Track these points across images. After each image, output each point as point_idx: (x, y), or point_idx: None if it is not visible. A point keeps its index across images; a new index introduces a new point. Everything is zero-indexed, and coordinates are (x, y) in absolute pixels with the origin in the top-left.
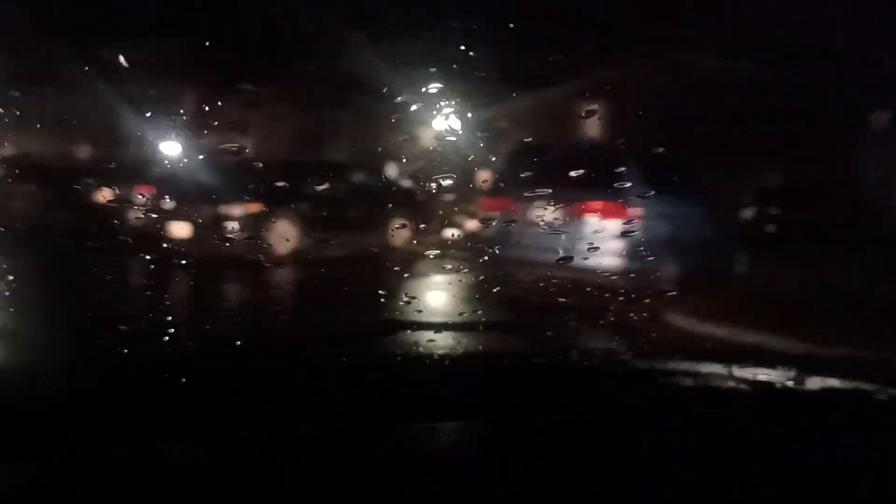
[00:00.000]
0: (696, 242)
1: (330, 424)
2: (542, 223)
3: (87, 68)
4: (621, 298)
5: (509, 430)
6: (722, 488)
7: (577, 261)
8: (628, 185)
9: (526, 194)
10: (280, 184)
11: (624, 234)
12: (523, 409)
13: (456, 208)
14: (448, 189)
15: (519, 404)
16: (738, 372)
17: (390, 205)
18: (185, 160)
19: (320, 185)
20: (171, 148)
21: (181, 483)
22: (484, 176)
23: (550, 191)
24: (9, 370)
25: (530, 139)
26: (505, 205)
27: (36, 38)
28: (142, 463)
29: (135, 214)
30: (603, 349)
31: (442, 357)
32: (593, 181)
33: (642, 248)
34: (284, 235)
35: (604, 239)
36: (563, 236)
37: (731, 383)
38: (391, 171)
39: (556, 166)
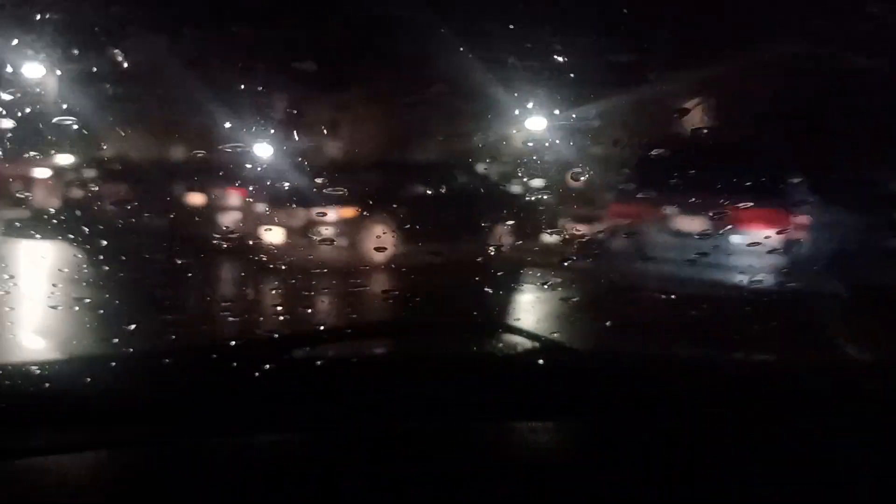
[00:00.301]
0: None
1: (332, 425)
2: (682, 232)
3: (180, 69)
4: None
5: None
6: (722, 489)
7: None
8: (788, 188)
9: (660, 199)
10: (375, 186)
11: (789, 247)
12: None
13: (574, 214)
14: (563, 192)
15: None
16: (738, 373)
17: (497, 209)
18: (278, 163)
19: (417, 187)
20: (263, 150)
21: (181, 483)
22: (602, 177)
23: (694, 197)
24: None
25: (656, 139)
26: (636, 211)
27: (130, 39)
28: (157, 462)
29: (227, 217)
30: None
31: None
32: (742, 185)
33: (814, 263)
34: (380, 240)
35: (762, 252)
36: (712, 247)
37: (731, 384)
38: (494, 173)
39: (697, 169)
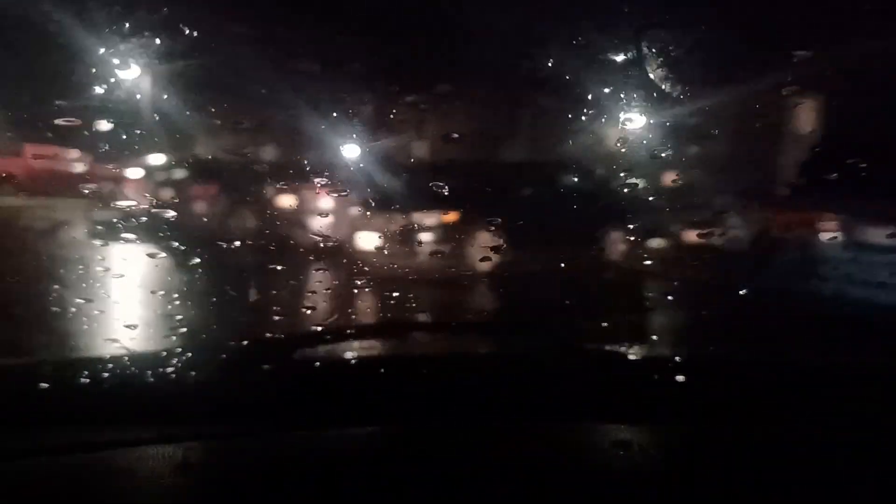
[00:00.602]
0: None
1: (333, 426)
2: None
3: (271, 69)
4: None
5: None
6: (722, 490)
7: None
8: None
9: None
10: (476, 189)
11: None
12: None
13: (692, 219)
14: (678, 194)
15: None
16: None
17: (610, 214)
18: (371, 164)
19: (520, 190)
20: (355, 151)
21: (181, 483)
22: (724, 179)
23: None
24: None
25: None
26: (808, 219)
27: (223, 40)
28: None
29: (320, 221)
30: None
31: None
32: None
33: None
34: (484, 248)
35: None
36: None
37: (731, 385)
38: (601, 174)
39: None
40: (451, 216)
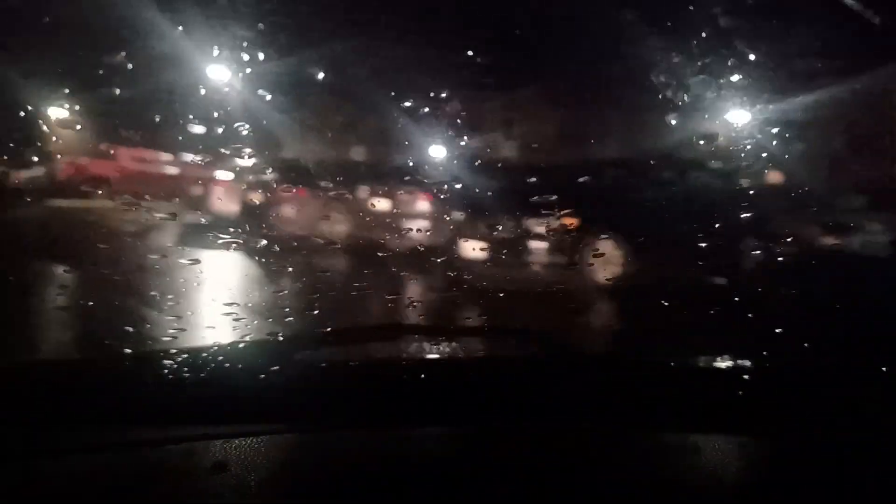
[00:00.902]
0: None
1: (333, 427)
2: None
3: (359, 71)
4: None
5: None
6: (722, 489)
7: None
8: None
9: None
10: (581, 193)
11: None
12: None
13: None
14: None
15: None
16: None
17: (739, 219)
18: (470, 168)
19: (629, 192)
20: (448, 152)
21: (180, 481)
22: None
23: None
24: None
25: None
26: None
27: (313, 43)
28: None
29: (413, 225)
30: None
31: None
32: None
33: None
34: (607, 258)
35: None
36: None
37: (731, 386)
38: (725, 176)
39: None
40: (572, 221)
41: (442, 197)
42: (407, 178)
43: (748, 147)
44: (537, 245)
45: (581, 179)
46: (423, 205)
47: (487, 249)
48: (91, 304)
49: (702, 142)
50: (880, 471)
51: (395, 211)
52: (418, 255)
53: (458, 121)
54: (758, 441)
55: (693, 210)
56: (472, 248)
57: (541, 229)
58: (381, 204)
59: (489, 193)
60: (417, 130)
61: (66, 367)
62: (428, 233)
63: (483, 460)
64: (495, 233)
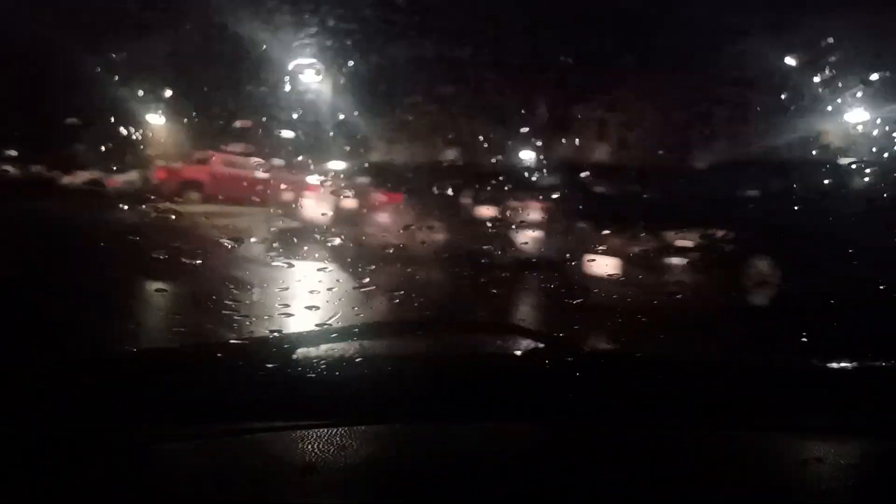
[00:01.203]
0: None
1: (331, 425)
2: None
3: (448, 72)
4: None
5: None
6: (722, 490)
7: None
8: None
9: None
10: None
11: None
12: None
13: None
14: None
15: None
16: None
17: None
18: (598, 172)
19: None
20: (557, 156)
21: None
22: None
23: None
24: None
25: None
26: None
27: (401, 46)
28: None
29: (526, 236)
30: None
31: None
32: None
33: None
34: (764, 279)
35: None
36: None
37: (732, 386)
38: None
39: None
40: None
41: (559, 204)
42: (516, 183)
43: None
44: (679, 261)
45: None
46: (535, 212)
47: (620, 265)
48: (186, 300)
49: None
50: (881, 471)
51: (503, 219)
52: (533, 268)
53: (577, 121)
54: (758, 440)
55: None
56: (600, 264)
57: (686, 243)
58: (487, 211)
59: (618, 202)
60: (523, 133)
61: (169, 357)
62: (542, 245)
63: (483, 460)
64: (628, 246)
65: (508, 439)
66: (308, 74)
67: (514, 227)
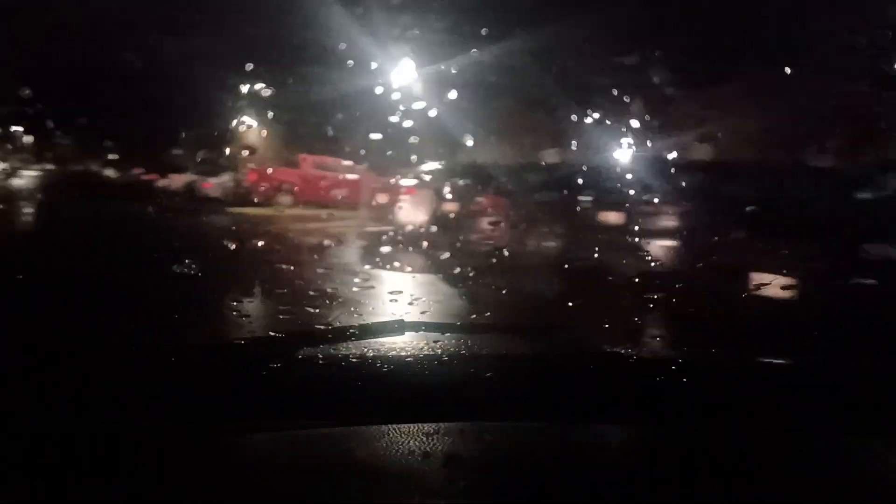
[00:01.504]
0: None
1: (334, 424)
2: None
3: (542, 70)
4: None
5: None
6: (722, 490)
7: None
8: None
9: None
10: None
11: None
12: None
13: None
14: None
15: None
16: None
17: None
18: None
19: None
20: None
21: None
22: None
23: None
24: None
25: None
26: None
27: (491, 46)
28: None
29: (653, 246)
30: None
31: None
32: None
33: None
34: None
35: None
36: None
37: (733, 386)
38: None
39: None
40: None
41: (700, 211)
42: (620, 185)
43: None
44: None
45: None
46: (668, 219)
47: (792, 282)
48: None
49: None
50: (881, 470)
51: (628, 226)
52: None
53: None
54: (760, 440)
55: None
56: (769, 282)
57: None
58: (610, 217)
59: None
60: (638, 134)
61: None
62: (673, 252)
63: (484, 459)
64: (804, 262)
65: (506, 440)
66: (404, 76)
67: (648, 235)
